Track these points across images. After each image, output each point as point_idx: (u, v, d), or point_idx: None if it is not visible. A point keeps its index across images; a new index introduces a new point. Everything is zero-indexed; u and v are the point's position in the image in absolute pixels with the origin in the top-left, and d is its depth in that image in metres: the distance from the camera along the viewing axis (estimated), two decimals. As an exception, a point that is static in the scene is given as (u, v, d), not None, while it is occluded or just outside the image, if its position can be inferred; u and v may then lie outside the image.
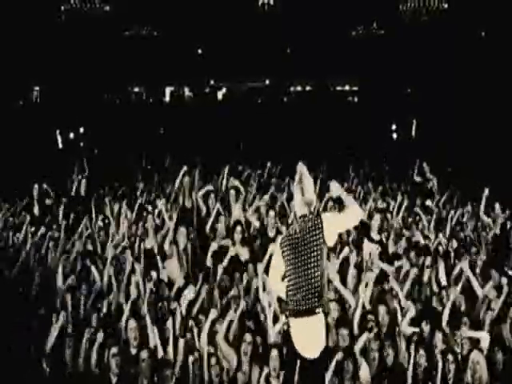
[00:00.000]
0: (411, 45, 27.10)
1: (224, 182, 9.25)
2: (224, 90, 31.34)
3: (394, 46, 27.91)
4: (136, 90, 31.28)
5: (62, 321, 5.41)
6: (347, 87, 31.15)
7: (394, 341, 5.61)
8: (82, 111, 20.95)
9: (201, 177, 9.39)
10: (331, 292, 6.02)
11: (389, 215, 8.47)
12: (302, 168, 4.21)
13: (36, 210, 8.84)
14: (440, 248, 7.63)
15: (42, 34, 25.44)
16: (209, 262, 6.85)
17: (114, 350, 5.28)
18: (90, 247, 7.46)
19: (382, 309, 5.92)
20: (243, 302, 5.93)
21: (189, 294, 5.87)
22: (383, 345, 5.53)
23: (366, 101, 26.85)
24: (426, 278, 6.72)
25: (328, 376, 4.91)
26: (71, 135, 18.82)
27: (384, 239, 7.41)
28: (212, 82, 31.45)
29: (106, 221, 8.16)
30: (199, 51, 30.81)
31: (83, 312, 6.12)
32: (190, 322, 5.71)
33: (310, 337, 4.01)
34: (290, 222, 7.60)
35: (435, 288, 6.58)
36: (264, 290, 5.80)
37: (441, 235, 7.86)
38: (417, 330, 5.69)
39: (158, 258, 6.87)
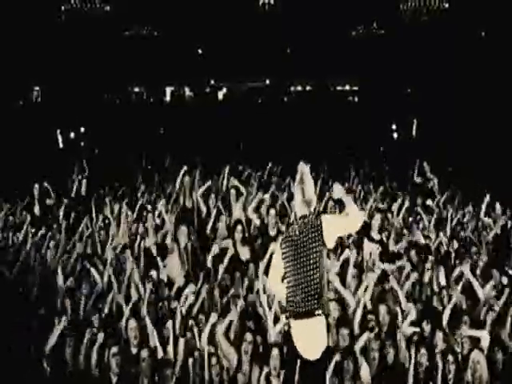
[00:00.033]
0: (411, 45, 27.10)
1: (224, 181, 9.25)
2: (224, 89, 31.33)
3: (393, 45, 27.91)
4: (136, 89, 31.28)
5: (63, 323, 5.40)
6: (347, 87, 31.14)
7: (394, 340, 5.61)
8: (82, 111, 20.95)
9: (201, 177, 9.39)
10: (331, 292, 6.02)
11: (389, 215, 8.47)
12: (303, 168, 4.18)
13: (37, 210, 8.83)
14: (440, 248, 7.64)
15: (42, 33, 25.44)
16: (209, 263, 6.84)
17: (115, 349, 5.28)
18: (90, 247, 7.46)
19: (382, 308, 5.92)
20: (243, 301, 5.93)
21: (189, 292, 5.88)
22: (384, 344, 5.53)
23: (366, 101, 26.84)
24: (426, 279, 6.71)
25: (328, 375, 4.90)
26: (72, 135, 18.82)
27: (384, 239, 7.40)
28: (212, 82, 31.45)
29: (107, 221, 8.16)
30: (199, 51, 30.80)
31: (84, 312, 6.12)
32: (190, 322, 5.71)
33: (310, 338, 3.99)
34: (290, 221, 7.59)
35: (436, 288, 6.57)
36: (264, 291, 5.80)
37: (441, 235, 7.86)
38: (417, 329, 5.69)
39: (159, 259, 6.86)
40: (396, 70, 26.78)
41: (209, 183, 8.53)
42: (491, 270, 6.66)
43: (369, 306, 5.95)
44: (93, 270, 6.58)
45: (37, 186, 8.95)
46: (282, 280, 4.18)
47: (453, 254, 7.52)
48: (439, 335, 5.60)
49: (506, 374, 5.38)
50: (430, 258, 6.93)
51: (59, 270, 6.60)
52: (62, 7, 28.88)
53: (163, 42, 29.77)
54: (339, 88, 31.08)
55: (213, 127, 19.93)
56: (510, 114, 17.67)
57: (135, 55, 29.01)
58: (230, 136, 18.36)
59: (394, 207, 8.94)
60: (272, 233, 7.48)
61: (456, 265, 7.14)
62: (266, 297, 5.72)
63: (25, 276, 6.73)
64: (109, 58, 27.54)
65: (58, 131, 17.88)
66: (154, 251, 6.96)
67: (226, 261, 6.67)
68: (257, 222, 7.75)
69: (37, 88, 27.23)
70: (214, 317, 5.59)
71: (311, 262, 3.97)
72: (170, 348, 5.50)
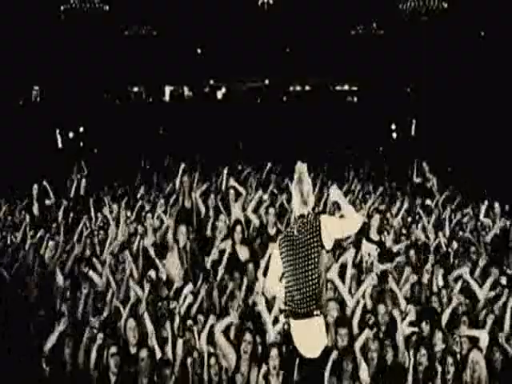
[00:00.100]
0: (411, 45, 27.09)
1: (224, 181, 9.24)
2: (224, 89, 31.30)
3: (393, 45, 27.89)
4: (135, 89, 31.25)
5: (63, 324, 5.39)
6: (347, 87, 31.12)
7: (393, 340, 5.61)
8: (81, 111, 20.93)
9: (200, 177, 9.39)
10: (330, 291, 6.02)
11: (388, 215, 8.47)
12: (301, 167, 4.17)
13: (35, 210, 8.83)
14: (439, 248, 7.64)
15: (42, 33, 25.41)
16: (208, 265, 6.83)
17: (113, 349, 5.28)
18: (89, 247, 7.46)
19: (381, 308, 5.92)
20: (243, 301, 5.93)
21: (188, 292, 5.88)
22: (383, 344, 5.53)
23: (366, 101, 26.85)
24: (425, 280, 6.71)
25: (327, 375, 4.90)
26: (71, 135, 18.81)
27: (383, 239, 7.40)
28: (212, 82, 31.42)
29: (105, 220, 8.16)
30: (199, 51, 30.79)
31: (83, 312, 6.11)
32: (189, 322, 5.71)
33: (309, 338, 4.00)
34: (290, 220, 7.59)
35: (435, 288, 6.57)
36: (263, 291, 5.79)
37: (441, 235, 7.86)
38: (416, 329, 5.69)
39: (157, 260, 6.85)
40: (395, 70, 26.78)
41: (208, 183, 8.53)
42: (490, 270, 6.65)
43: (368, 306, 5.95)
44: (91, 270, 6.57)
45: (36, 186, 8.94)
46: (281, 280, 4.18)
47: (452, 254, 7.53)
48: (438, 335, 5.60)
49: (505, 374, 5.38)
50: (430, 258, 6.93)
51: (58, 271, 6.61)
52: (62, 7, 28.83)
53: (162, 42, 29.74)
54: (339, 88, 31.06)
55: (212, 127, 19.93)
56: (510, 114, 17.67)
57: (134, 55, 29.00)
58: (230, 136, 18.36)
59: (393, 207, 8.95)
60: (271, 232, 7.48)
61: (455, 265, 7.16)
62: (264, 297, 5.71)
63: (23, 276, 6.72)
64: (108, 58, 27.52)
65: (57, 131, 17.88)
66: (153, 251, 6.96)
67: (224, 261, 6.67)
68: (256, 222, 7.74)
69: (36, 88, 27.20)
70: (212, 319, 5.59)
71: (309, 262, 3.96)
72: (169, 348, 5.50)
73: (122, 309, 5.85)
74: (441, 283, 6.59)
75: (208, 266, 6.76)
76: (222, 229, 7.48)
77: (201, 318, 5.82)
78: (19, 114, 20.73)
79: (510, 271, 6.99)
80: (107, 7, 29.21)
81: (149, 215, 7.91)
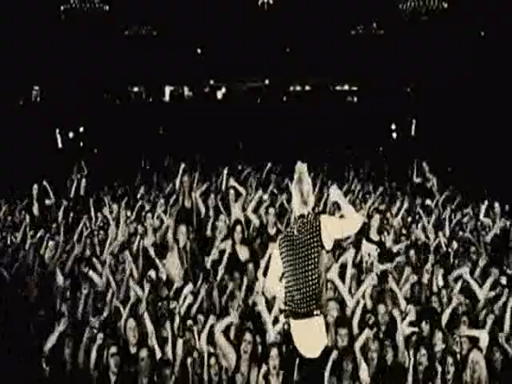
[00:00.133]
0: (411, 44, 27.09)
1: (224, 181, 9.25)
2: (224, 89, 31.30)
3: (393, 45, 27.89)
4: (135, 89, 31.25)
5: (63, 324, 5.39)
6: (347, 87, 31.12)
7: (393, 340, 5.61)
8: (81, 111, 20.94)
9: (200, 176, 9.39)
10: (330, 291, 6.02)
11: (388, 215, 8.47)
12: (301, 167, 4.17)
13: (35, 210, 8.83)
14: (439, 248, 7.64)
15: (42, 33, 25.41)
16: (208, 265, 6.84)
17: (113, 349, 5.28)
18: (89, 247, 7.46)
19: (381, 308, 5.93)
20: (243, 301, 5.93)
21: (188, 292, 5.88)
22: (383, 344, 5.53)
23: (366, 100, 26.86)
24: (425, 280, 6.71)
25: (327, 375, 4.90)
26: (71, 135, 18.81)
27: (383, 239, 7.40)
28: (212, 82, 31.42)
29: (105, 220, 8.16)
30: (199, 51, 30.79)
31: (83, 312, 6.11)
32: (189, 322, 5.71)
33: (309, 338, 4.00)
34: (290, 220, 7.59)
35: (435, 288, 6.57)
36: (263, 291, 5.79)
37: (441, 235, 7.87)
38: (416, 329, 5.69)
39: (157, 260, 6.85)
40: (395, 70, 26.78)
41: (208, 183, 8.54)
42: (490, 270, 6.66)
43: (368, 306, 5.96)
44: (91, 270, 6.57)
45: (36, 186, 8.95)
46: (281, 280, 4.18)
47: (452, 254, 7.53)
48: (438, 335, 5.60)
49: (505, 374, 5.38)
50: (430, 258, 6.94)
51: (58, 271, 6.61)
52: (62, 7, 28.83)
53: (162, 42, 29.74)
54: (339, 88, 31.06)
55: (212, 127, 19.93)
56: (510, 114, 17.67)
57: (134, 55, 29.00)
58: (230, 136, 18.37)
59: (393, 207, 8.95)
60: (271, 231, 7.48)
61: (455, 265, 7.16)
62: (264, 297, 5.72)
63: (23, 276, 6.72)
64: (108, 58, 27.52)
65: (57, 131, 17.87)
66: (153, 251, 6.96)
67: (224, 261, 6.67)
68: (256, 222, 7.74)
69: (36, 88, 27.20)
70: (212, 319, 5.59)
71: (309, 262, 3.96)
72: (169, 348, 5.50)
73: (121, 309, 5.85)
74: (441, 283, 6.59)
75: (208, 266, 6.77)
76: (221, 229, 7.48)
77: (201, 317, 5.83)
78: (19, 114, 20.72)
79: (510, 271, 6.99)
80: (107, 7, 29.20)
81: (149, 215, 7.91)
